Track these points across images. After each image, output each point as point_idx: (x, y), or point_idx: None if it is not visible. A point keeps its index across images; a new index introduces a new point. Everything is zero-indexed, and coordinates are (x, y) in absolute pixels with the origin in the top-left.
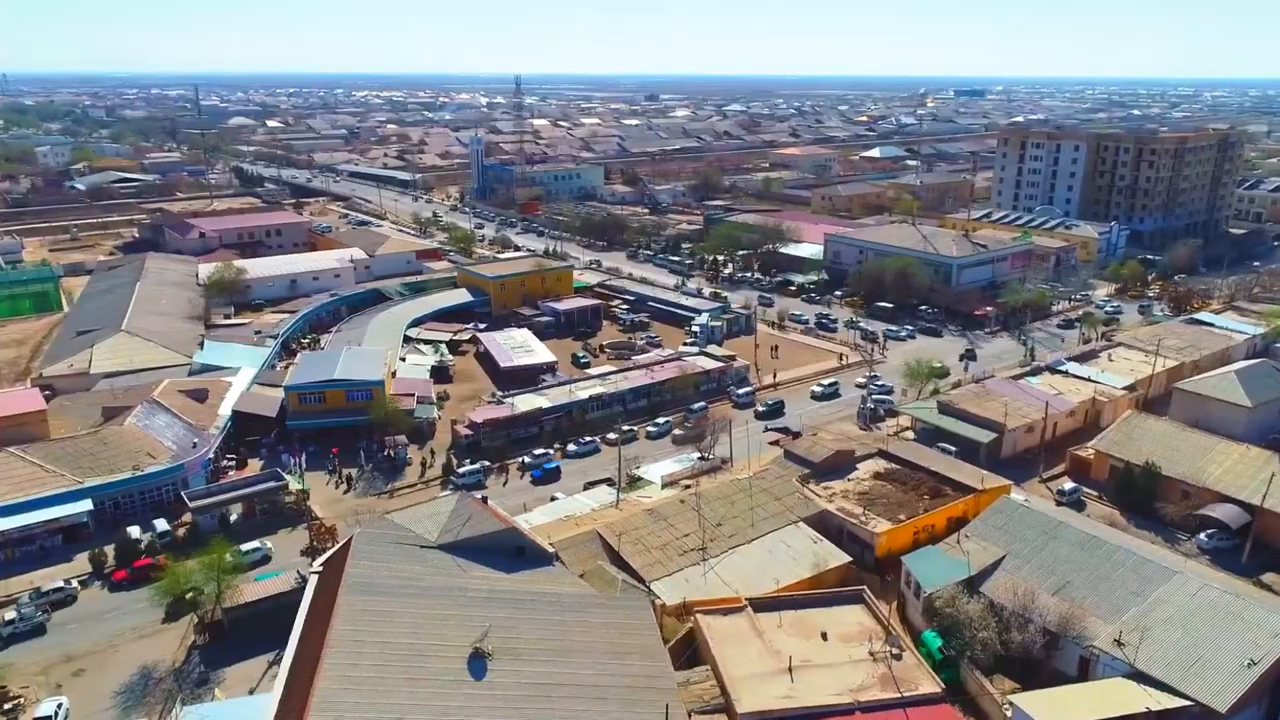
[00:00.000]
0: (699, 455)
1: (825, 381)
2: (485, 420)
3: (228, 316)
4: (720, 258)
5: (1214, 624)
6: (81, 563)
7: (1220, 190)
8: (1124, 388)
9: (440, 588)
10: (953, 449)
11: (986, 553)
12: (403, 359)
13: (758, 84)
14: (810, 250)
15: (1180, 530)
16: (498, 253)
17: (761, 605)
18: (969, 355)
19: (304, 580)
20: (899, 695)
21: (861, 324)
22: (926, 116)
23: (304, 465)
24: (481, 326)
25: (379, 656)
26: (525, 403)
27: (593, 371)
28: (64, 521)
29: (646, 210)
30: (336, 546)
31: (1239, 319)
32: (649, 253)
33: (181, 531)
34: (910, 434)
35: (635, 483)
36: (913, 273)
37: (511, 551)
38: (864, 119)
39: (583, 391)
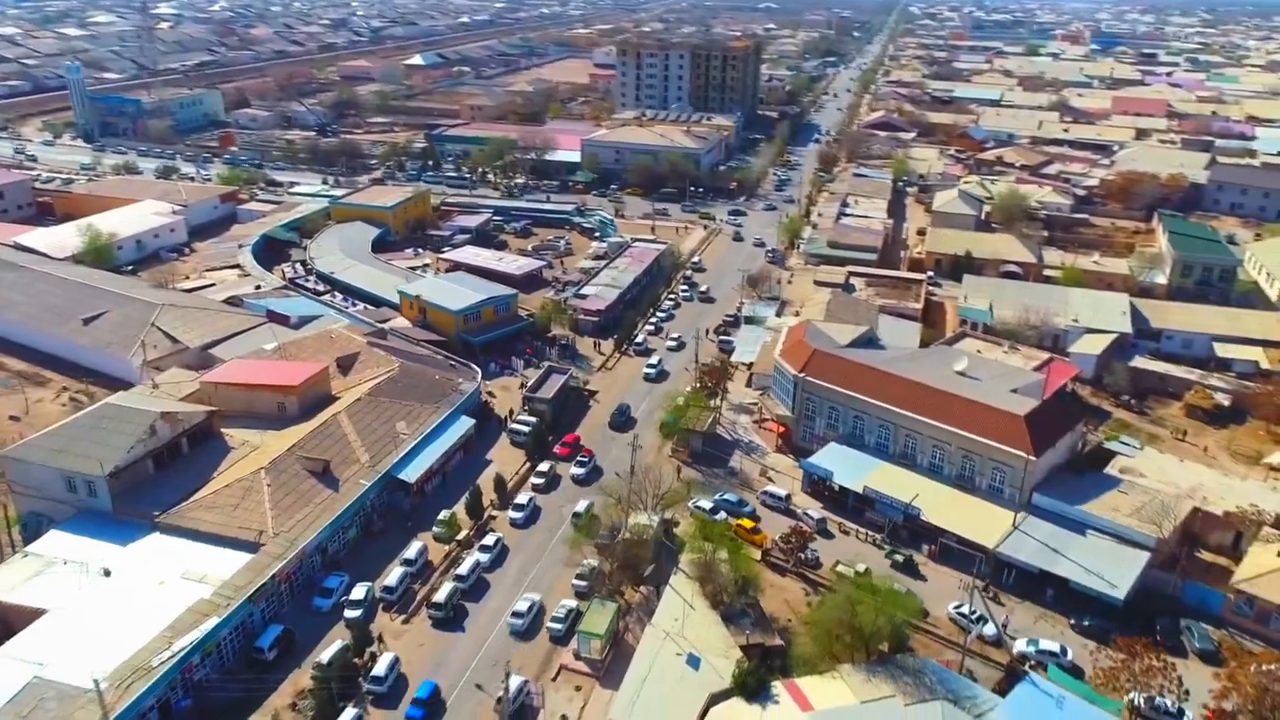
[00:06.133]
0: (767, 297)
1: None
2: (606, 306)
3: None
4: (488, 169)
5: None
6: (506, 459)
7: (756, 84)
8: (885, 216)
9: (907, 355)
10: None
11: (984, 300)
12: None
13: None
14: (568, 155)
15: None
16: (281, 191)
17: None
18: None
19: (718, 414)
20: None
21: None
22: (380, 21)
23: (517, 367)
24: (422, 251)
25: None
26: (604, 291)
27: (592, 264)
28: (465, 438)
29: (315, 132)
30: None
31: (858, 168)
32: (408, 174)
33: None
34: (804, 263)
35: (754, 320)
36: (679, 163)
37: (878, 345)
38: (325, 21)
39: (626, 276)
